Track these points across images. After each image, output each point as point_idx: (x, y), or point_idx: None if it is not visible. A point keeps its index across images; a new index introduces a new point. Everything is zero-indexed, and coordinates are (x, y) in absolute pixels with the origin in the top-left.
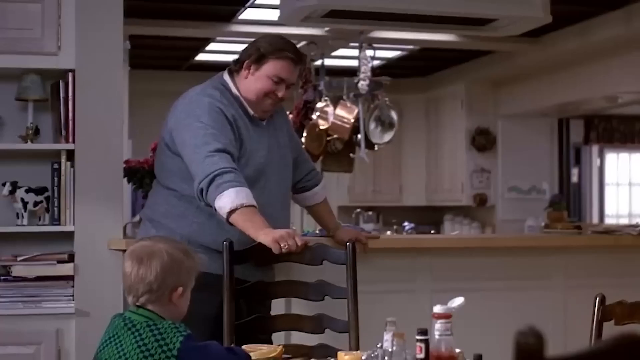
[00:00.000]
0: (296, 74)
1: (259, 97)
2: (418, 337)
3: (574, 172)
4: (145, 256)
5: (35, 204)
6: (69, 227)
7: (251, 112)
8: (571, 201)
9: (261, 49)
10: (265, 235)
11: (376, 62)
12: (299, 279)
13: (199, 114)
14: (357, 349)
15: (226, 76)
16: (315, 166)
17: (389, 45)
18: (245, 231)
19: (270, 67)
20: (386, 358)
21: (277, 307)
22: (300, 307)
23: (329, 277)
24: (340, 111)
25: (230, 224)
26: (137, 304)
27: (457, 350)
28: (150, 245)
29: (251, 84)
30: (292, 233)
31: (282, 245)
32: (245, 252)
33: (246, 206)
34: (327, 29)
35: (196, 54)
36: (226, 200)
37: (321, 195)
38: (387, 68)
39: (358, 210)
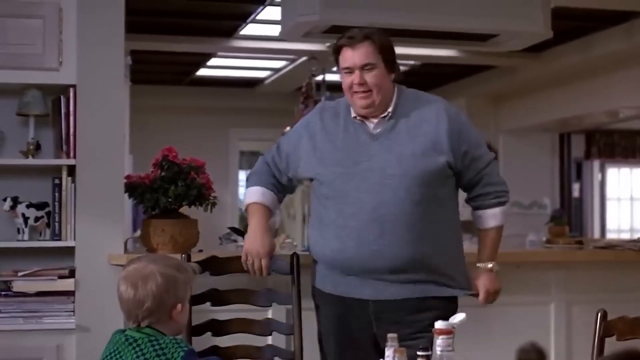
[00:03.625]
0: (362, 54)
1: (349, 96)
2: (419, 353)
3: (575, 186)
4: (139, 281)
5: (36, 219)
6: (69, 242)
7: (352, 114)
8: (572, 216)
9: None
10: (244, 242)
11: None
12: None
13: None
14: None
15: None
16: (496, 181)
17: None
18: None
19: (340, 61)
20: None
21: None
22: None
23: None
24: None
25: None
26: (139, 326)
27: None
28: (141, 268)
29: (342, 84)
30: (262, 253)
31: (247, 261)
32: None
33: (250, 204)
34: (328, 44)
35: (197, 69)
36: (248, 192)
37: (488, 220)
38: None
39: None
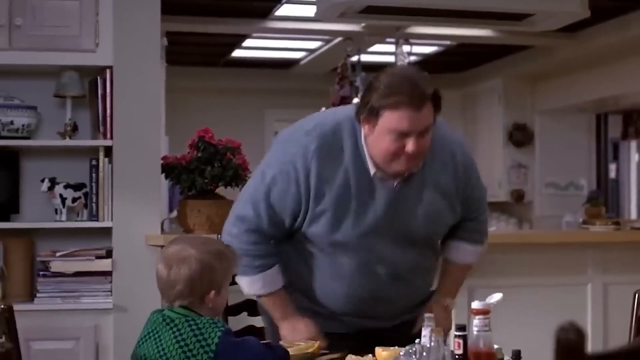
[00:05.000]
0: (425, 117)
1: (386, 159)
2: (456, 333)
3: (612, 167)
4: (174, 263)
5: (74, 200)
6: (107, 223)
7: (371, 170)
8: (609, 197)
9: (371, 101)
10: (285, 330)
11: (413, 58)
12: None
13: (269, 163)
14: None
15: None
16: (485, 219)
17: (425, 41)
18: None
19: (387, 121)
20: (424, 354)
21: None
22: None
23: None
24: None
25: None
26: (172, 305)
27: (496, 347)
28: (180, 250)
29: (374, 142)
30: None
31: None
32: None
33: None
34: (363, 24)
35: (232, 50)
36: (243, 283)
37: (467, 255)
38: (423, 64)
39: None
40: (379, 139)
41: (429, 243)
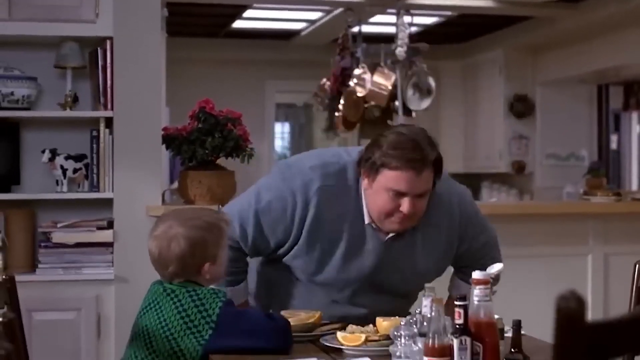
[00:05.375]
0: (424, 181)
1: (381, 217)
2: (457, 303)
3: (613, 138)
4: (165, 243)
5: (75, 170)
6: (108, 194)
7: (366, 219)
8: (610, 168)
9: (373, 157)
10: None
11: (414, 29)
12: None
13: (268, 186)
14: None
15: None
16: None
17: (426, 12)
18: None
19: (385, 179)
20: (425, 324)
21: None
22: None
23: None
24: (377, 78)
25: None
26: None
27: (496, 316)
28: (167, 229)
29: (371, 197)
30: None
31: None
32: None
33: None
34: None
35: (233, 21)
36: None
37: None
38: (424, 34)
39: None
40: (376, 195)
41: (409, 295)
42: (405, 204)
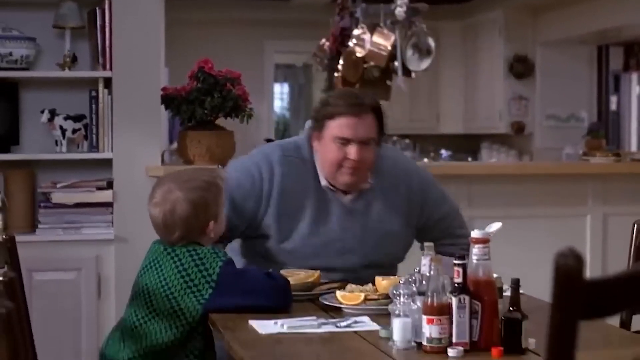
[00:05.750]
0: (366, 126)
1: (332, 169)
2: (456, 262)
3: (613, 100)
4: (168, 208)
5: (74, 131)
6: (107, 154)
7: (322, 181)
8: (610, 129)
9: (318, 114)
10: None
11: None
12: None
13: (235, 168)
14: None
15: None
16: (461, 233)
17: None
18: None
19: (330, 130)
20: (424, 282)
21: None
22: None
23: None
24: (377, 38)
25: None
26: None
27: (495, 275)
28: (166, 193)
29: (322, 154)
30: None
31: None
32: None
33: None
34: None
35: None
36: None
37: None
38: None
39: (395, 138)
40: (325, 149)
41: (383, 265)
42: (351, 151)
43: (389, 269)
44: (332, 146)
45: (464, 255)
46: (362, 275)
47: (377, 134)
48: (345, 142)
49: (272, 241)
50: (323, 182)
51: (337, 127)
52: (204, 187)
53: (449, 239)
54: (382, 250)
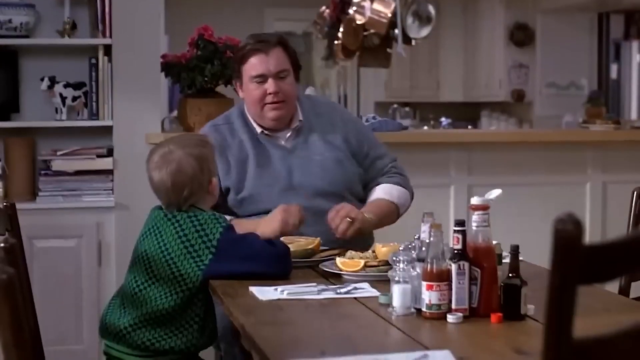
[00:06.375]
0: (277, 60)
1: (257, 108)
2: (455, 228)
3: (613, 68)
4: (174, 167)
5: (74, 98)
6: (107, 122)
7: (257, 129)
8: (610, 97)
9: (232, 64)
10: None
11: None
12: None
13: None
14: None
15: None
16: (393, 165)
17: None
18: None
19: (246, 73)
20: (423, 249)
21: None
22: None
23: None
24: (377, 5)
25: None
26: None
27: (494, 242)
28: (166, 155)
29: (247, 100)
30: (290, 209)
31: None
32: None
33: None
34: None
35: None
36: None
37: (380, 190)
38: None
39: (395, 105)
40: (247, 93)
41: (332, 193)
42: (269, 84)
43: (340, 199)
44: (252, 86)
45: (463, 221)
46: (314, 204)
47: (290, 66)
48: (261, 79)
49: (231, 195)
50: (258, 130)
51: (250, 67)
52: (200, 144)
53: (388, 175)
54: (327, 178)
